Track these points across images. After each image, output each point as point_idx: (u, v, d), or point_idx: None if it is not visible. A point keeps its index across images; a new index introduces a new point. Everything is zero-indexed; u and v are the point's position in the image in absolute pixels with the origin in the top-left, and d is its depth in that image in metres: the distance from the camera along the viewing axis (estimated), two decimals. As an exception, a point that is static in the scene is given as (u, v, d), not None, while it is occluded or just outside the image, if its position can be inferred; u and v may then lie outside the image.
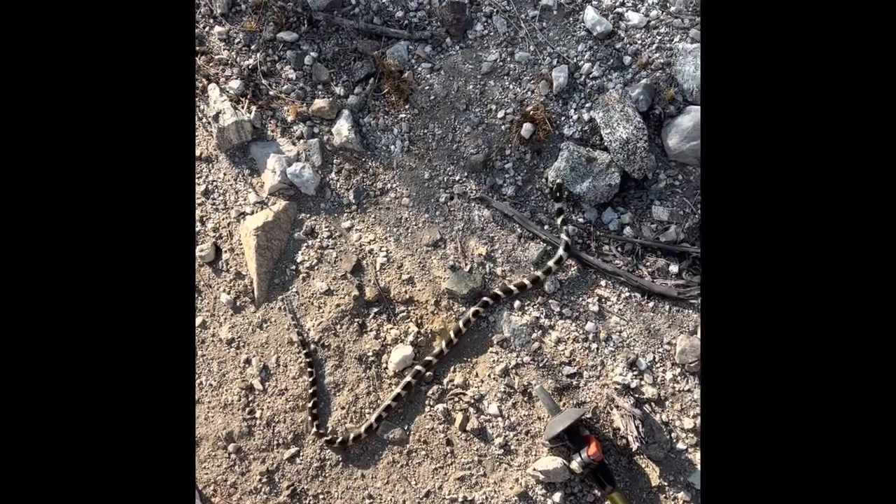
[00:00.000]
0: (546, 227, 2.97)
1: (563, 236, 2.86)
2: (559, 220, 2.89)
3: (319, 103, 3.11)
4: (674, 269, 2.87)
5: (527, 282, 2.87)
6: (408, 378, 2.84)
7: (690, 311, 2.82)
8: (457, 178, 3.05)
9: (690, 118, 2.89)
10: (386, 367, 2.92)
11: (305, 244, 3.06)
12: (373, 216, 3.06)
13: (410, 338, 2.91)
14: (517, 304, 2.91)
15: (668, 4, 3.07)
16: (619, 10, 3.08)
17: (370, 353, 2.93)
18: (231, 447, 2.96)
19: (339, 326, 2.96)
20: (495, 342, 2.89)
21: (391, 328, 2.95)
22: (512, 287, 2.87)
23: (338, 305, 2.98)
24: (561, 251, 2.84)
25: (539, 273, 2.86)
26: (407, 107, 3.10)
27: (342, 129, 3.09)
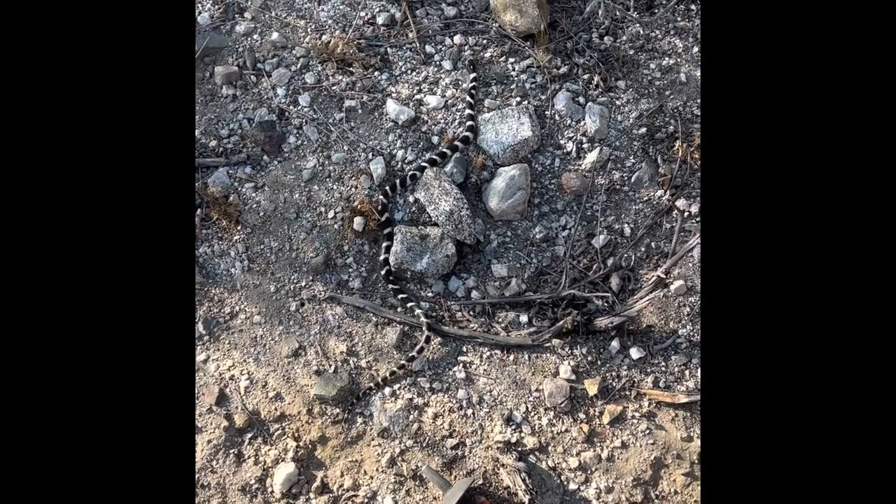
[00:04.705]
0: (399, 309, 3.05)
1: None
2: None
3: (150, 245, 3.10)
4: (524, 318, 3.01)
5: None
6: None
7: (548, 355, 2.95)
8: (303, 283, 3.10)
9: (503, 179, 3.12)
10: (272, 491, 2.84)
11: (163, 388, 2.97)
12: (227, 342, 3.03)
13: (291, 454, 2.86)
14: (388, 390, 2.94)
15: (459, 83, 3.34)
16: (418, 97, 3.32)
17: (253, 481, 2.84)
18: None
19: (214, 462, 2.86)
20: (376, 434, 2.88)
21: (269, 449, 2.89)
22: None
23: (209, 441, 2.89)
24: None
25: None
26: (239, 228, 3.15)
27: (178, 264, 3.08)
